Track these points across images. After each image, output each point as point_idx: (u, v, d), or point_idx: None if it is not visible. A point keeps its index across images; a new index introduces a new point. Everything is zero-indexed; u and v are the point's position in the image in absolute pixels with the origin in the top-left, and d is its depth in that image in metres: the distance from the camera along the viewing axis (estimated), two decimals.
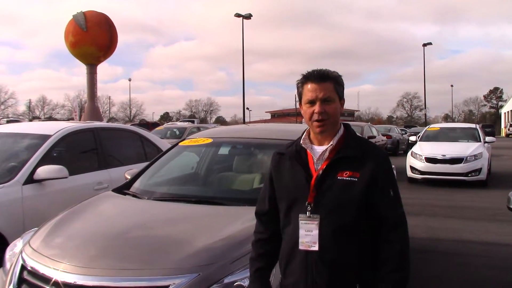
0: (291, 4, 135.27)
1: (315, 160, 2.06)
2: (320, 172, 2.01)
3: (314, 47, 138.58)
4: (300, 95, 2.12)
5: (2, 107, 79.02)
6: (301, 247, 1.99)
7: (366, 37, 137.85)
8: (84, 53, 26.61)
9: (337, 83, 2.07)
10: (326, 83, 2.04)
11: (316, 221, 1.97)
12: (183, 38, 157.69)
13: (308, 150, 2.09)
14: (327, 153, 2.04)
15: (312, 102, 2.04)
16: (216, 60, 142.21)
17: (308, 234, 1.98)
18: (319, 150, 2.07)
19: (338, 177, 1.98)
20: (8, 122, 31.13)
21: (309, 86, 2.05)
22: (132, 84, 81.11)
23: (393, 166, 2.28)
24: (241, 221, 3.04)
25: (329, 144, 2.05)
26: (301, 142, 2.12)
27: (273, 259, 2.19)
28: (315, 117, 2.02)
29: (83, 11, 26.55)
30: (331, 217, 1.96)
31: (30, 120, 52.33)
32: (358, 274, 1.96)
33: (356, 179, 1.96)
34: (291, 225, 2.04)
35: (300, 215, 2.01)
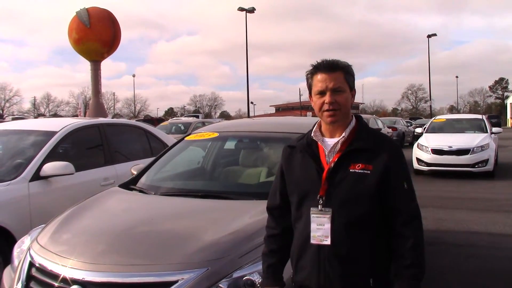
0: None
1: (326, 153, 2.02)
2: (332, 164, 1.98)
3: (318, 39, 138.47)
4: (309, 86, 2.08)
5: (7, 104, 79.52)
6: (312, 241, 1.97)
7: (370, 29, 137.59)
8: (88, 50, 26.62)
9: (347, 73, 2.03)
10: (336, 73, 2.00)
11: (328, 215, 1.94)
12: (186, 33, 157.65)
13: (319, 143, 2.06)
14: (338, 145, 2.01)
15: (322, 93, 2.00)
16: (219, 55, 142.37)
17: (320, 228, 1.95)
18: (330, 143, 2.04)
19: (351, 170, 1.95)
20: (13, 119, 31.24)
21: (319, 77, 2.01)
22: (136, 80, 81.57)
23: None
24: (248, 215, 3.03)
25: (341, 136, 2.01)
26: (312, 134, 2.09)
27: (286, 254, 2.15)
28: (326, 107, 1.99)
29: (86, 7, 26.55)
30: (343, 211, 1.93)
31: (35, 117, 52.49)
32: (371, 268, 1.93)
33: (369, 172, 1.93)
34: (303, 219, 2.02)
35: (311, 208, 1.98)
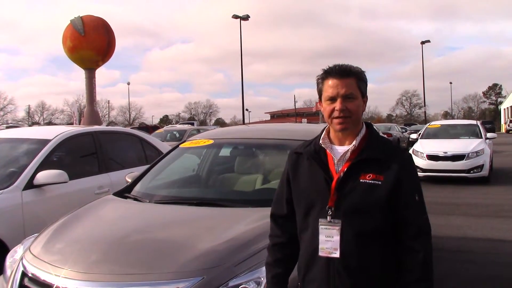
0: (287, 4, 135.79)
1: (335, 161, 1.94)
2: (342, 174, 1.90)
3: (312, 47, 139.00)
4: (320, 91, 1.99)
5: (1, 113, 79.10)
6: (321, 253, 1.90)
7: (363, 36, 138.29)
8: (82, 58, 26.64)
9: (360, 79, 1.95)
10: (348, 79, 1.92)
11: (337, 227, 1.87)
12: (180, 41, 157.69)
13: (327, 150, 1.98)
14: (348, 154, 1.93)
15: (332, 99, 1.92)
16: (213, 62, 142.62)
17: (329, 240, 1.88)
18: (340, 151, 1.96)
19: (361, 180, 1.87)
20: (7, 127, 31.09)
21: (330, 82, 1.93)
22: (131, 88, 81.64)
23: None
24: (244, 222, 3.00)
25: (351, 145, 1.93)
26: (320, 141, 2.01)
27: (291, 264, 2.08)
28: (336, 114, 1.91)
29: (80, 16, 26.57)
30: (353, 222, 1.86)
31: (30, 126, 52.33)
32: (382, 281, 1.88)
33: (380, 182, 1.86)
34: (310, 229, 1.94)
35: (320, 219, 1.90)
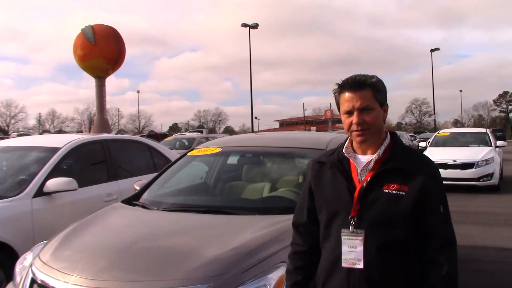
0: (294, 13, 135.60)
1: (358, 171, 1.92)
2: (365, 184, 1.88)
3: (319, 55, 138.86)
4: (337, 104, 1.98)
5: (13, 121, 79.84)
6: (344, 264, 1.86)
7: (371, 44, 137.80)
8: (92, 66, 26.84)
9: (376, 90, 1.91)
10: (364, 91, 1.89)
11: (360, 237, 1.84)
12: (189, 50, 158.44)
13: (351, 160, 1.96)
14: (372, 164, 1.91)
15: (349, 112, 1.91)
16: (221, 71, 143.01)
17: (352, 251, 1.85)
18: (363, 160, 1.93)
19: (384, 190, 1.84)
20: (18, 135, 31.37)
21: (346, 96, 1.92)
22: (140, 96, 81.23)
23: None
24: (251, 230, 3.01)
25: (375, 154, 1.91)
26: (343, 151, 1.99)
27: (312, 273, 2.05)
28: (354, 127, 1.89)
29: (91, 24, 26.81)
30: (376, 233, 1.83)
31: (40, 134, 52.71)
32: None
33: (404, 193, 1.82)
34: (332, 239, 1.92)
35: (342, 230, 1.88)
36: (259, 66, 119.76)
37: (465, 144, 13.85)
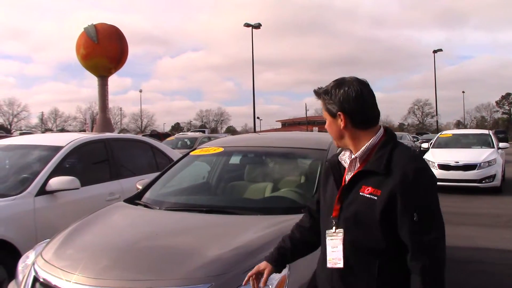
0: (295, 13, 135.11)
1: (347, 172, 1.94)
2: (346, 184, 1.89)
3: (321, 55, 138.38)
4: None
5: (15, 119, 79.93)
6: (329, 264, 1.89)
7: (372, 45, 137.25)
8: (95, 65, 26.90)
9: (325, 100, 1.92)
10: (320, 101, 1.96)
11: (340, 237, 1.85)
12: (191, 49, 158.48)
13: (342, 162, 1.99)
14: (357, 164, 1.90)
15: None
16: (223, 70, 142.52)
17: (334, 251, 1.87)
18: (348, 161, 1.95)
19: (360, 193, 1.81)
20: (21, 134, 31.44)
21: None
22: (142, 95, 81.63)
23: None
24: (253, 230, 3.02)
25: (354, 156, 1.91)
26: (339, 154, 2.03)
27: (301, 248, 2.15)
28: None
29: (94, 23, 26.85)
30: (352, 235, 1.82)
31: (43, 132, 52.81)
32: None
33: (376, 198, 1.76)
34: (323, 241, 1.96)
35: (326, 231, 1.91)
36: (260, 66, 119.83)
37: (468, 145, 13.84)
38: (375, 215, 1.76)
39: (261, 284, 2.12)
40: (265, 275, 2.11)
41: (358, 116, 1.87)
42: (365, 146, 1.88)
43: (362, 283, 1.81)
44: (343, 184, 1.91)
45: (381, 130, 1.93)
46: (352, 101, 1.86)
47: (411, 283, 1.74)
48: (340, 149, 2.06)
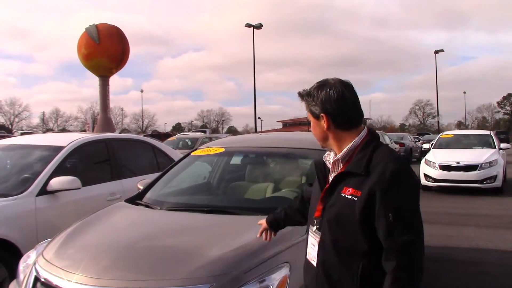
0: (296, 13, 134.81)
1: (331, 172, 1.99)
2: (328, 185, 1.93)
3: (322, 55, 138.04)
4: None
5: (16, 119, 80.00)
6: (307, 256, 2.03)
7: (374, 45, 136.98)
8: (96, 65, 26.93)
9: (308, 101, 1.96)
10: (303, 103, 1.99)
11: (318, 238, 1.93)
12: (192, 49, 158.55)
13: (327, 163, 2.03)
14: (340, 165, 1.94)
15: None
16: (224, 70, 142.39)
17: (312, 248, 1.97)
18: (332, 162, 2.00)
19: (342, 194, 1.84)
20: (22, 134, 31.47)
21: None
22: (143, 95, 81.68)
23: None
24: (254, 230, 3.00)
25: (335, 157, 1.96)
26: (324, 155, 2.07)
27: (291, 219, 2.43)
28: None
29: (95, 24, 26.88)
30: (332, 235, 1.86)
31: (44, 132, 52.86)
32: None
33: (356, 199, 1.78)
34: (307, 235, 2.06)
35: (310, 227, 2.01)
36: (262, 66, 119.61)
37: (469, 146, 13.83)
38: (355, 216, 1.78)
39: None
40: (260, 230, 2.52)
41: (340, 117, 1.89)
42: (347, 148, 1.91)
43: (346, 283, 1.83)
44: (327, 185, 1.95)
45: (364, 131, 1.94)
46: (333, 102, 1.88)
47: (384, 281, 1.74)
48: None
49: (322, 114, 1.90)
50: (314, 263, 1.93)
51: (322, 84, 1.93)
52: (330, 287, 1.87)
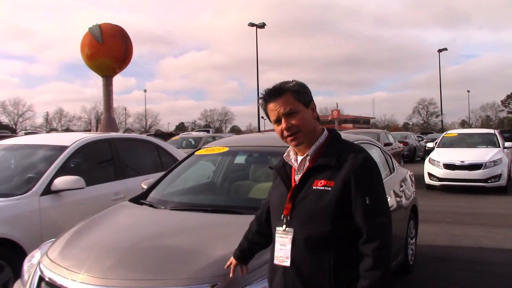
0: (299, 13, 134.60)
1: (296, 172, 2.02)
2: (297, 182, 1.97)
3: (325, 55, 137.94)
4: (267, 116, 2.08)
5: (20, 119, 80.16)
6: (275, 261, 1.99)
7: (377, 44, 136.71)
8: (100, 65, 26.94)
9: (295, 92, 1.99)
10: (284, 96, 1.97)
11: (290, 235, 1.93)
12: (194, 49, 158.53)
13: (289, 163, 2.07)
14: (307, 163, 1.99)
15: (278, 121, 2.00)
16: (227, 70, 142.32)
17: (282, 249, 1.95)
18: (298, 161, 2.03)
19: (313, 187, 1.91)
20: (26, 134, 31.54)
21: (270, 106, 2.01)
22: (146, 95, 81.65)
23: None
24: None
25: (305, 154, 1.99)
26: (284, 156, 2.10)
27: (257, 242, 2.36)
28: (285, 133, 1.98)
29: (98, 23, 26.90)
30: (304, 230, 1.90)
31: (48, 132, 52.99)
32: None
33: (330, 188, 1.87)
34: (274, 240, 2.04)
35: (276, 228, 2.00)
36: (264, 66, 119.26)
37: (473, 145, 13.80)
38: (329, 204, 1.86)
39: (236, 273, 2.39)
40: (232, 268, 2.38)
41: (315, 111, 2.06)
42: (314, 145, 2.00)
43: (318, 278, 1.86)
44: (293, 184, 1.99)
45: (324, 129, 2.07)
46: (310, 92, 2.05)
47: (360, 266, 1.82)
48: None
49: (312, 102, 2.03)
50: (287, 264, 1.92)
51: (287, 81, 2.03)
52: (302, 283, 1.89)
